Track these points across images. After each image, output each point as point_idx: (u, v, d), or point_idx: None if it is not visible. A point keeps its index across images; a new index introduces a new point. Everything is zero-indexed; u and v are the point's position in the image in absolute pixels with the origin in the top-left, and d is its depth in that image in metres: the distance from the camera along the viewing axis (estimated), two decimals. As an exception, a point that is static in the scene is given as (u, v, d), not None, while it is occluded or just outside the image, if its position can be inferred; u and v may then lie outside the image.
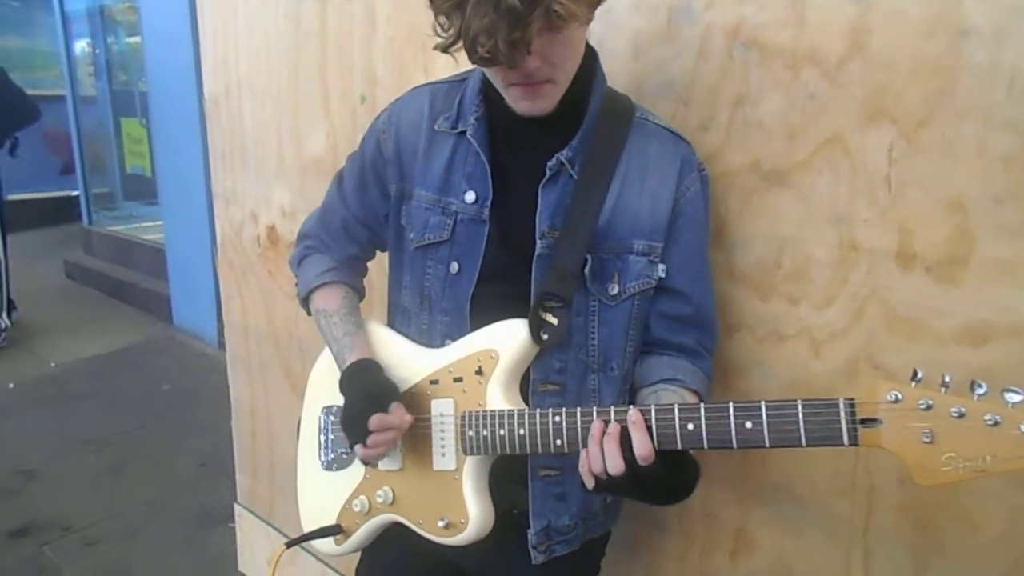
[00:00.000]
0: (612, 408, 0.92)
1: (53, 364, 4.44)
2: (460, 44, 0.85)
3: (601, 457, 0.89)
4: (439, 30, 0.88)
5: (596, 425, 0.91)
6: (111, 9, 6.24)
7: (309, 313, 1.21)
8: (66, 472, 3.18)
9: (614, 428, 0.90)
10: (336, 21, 1.68)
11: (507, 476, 1.05)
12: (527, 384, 1.04)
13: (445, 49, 0.87)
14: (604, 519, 1.16)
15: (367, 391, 1.04)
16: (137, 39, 5.61)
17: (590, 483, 0.92)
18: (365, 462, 1.09)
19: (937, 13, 0.93)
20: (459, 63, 0.92)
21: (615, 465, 0.88)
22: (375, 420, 0.99)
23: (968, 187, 0.94)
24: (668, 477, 0.90)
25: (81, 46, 6.65)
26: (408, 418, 1.02)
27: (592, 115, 1.02)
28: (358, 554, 1.22)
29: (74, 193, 7.10)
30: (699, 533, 1.29)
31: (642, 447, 0.87)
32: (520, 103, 0.97)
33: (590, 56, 1.03)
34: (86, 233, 6.72)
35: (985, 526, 0.99)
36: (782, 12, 1.06)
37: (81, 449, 3.37)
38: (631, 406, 0.91)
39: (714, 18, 1.13)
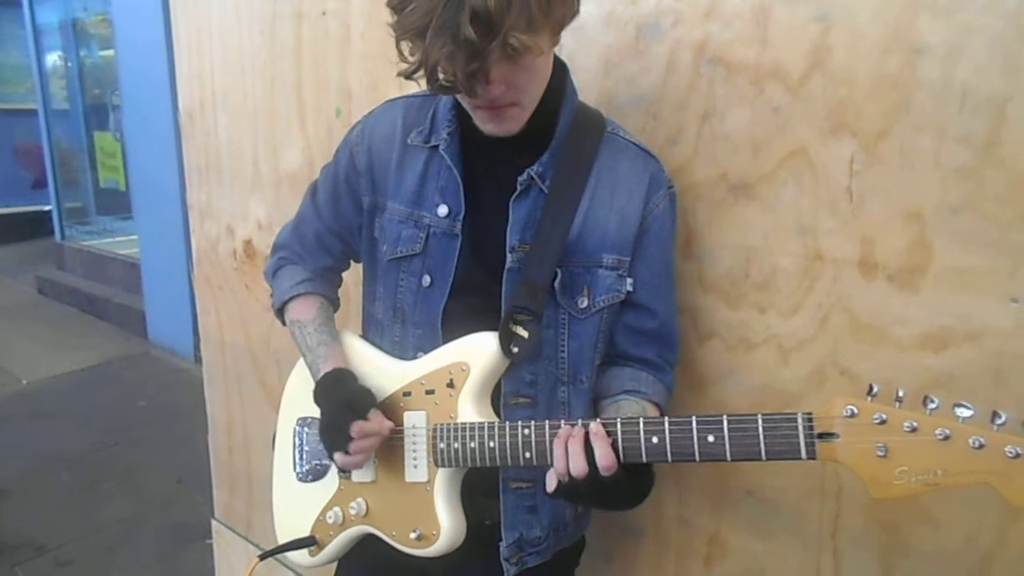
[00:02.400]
0: (580, 421, 0.93)
1: (25, 381, 4.37)
2: (422, 71, 0.86)
3: (565, 457, 0.91)
4: (401, 57, 0.88)
5: (565, 428, 0.92)
6: (83, 22, 6.20)
7: (284, 324, 1.22)
8: (38, 491, 3.14)
9: (579, 431, 0.91)
10: (311, 36, 1.69)
11: (479, 488, 1.06)
12: (499, 397, 1.05)
13: (408, 76, 0.88)
14: (574, 529, 1.17)
15: (344, 399, 1.05)
16: (110, 52, 5.58)
17: (551, 485, 0.94)
18: (344, 470, 1.09)
19: (892, 31, 0.97)
20: (421, 87, 0.93)
21: (578, 466, 0.89)
22: (356, 427, 1.00)
23: (925, 198, 0.97)
24: (629, 485, 0.92)
25: (53, 59, 6.60)
26: (388, 424, 1.03)
27: (562, 130, 1.04)
28: (334, 567, 1.22)
29: (46, 208, 7.02)
30: (674, 539, 1.31)
31: (604, 458, 0.88)
32: (487, 125, 0.98)
33: (560, 71, 1.04)
34: (59, 248, 6.64)
35: (949, 527, 1.02)
36: (746, 29, 1.09)
37: (54, 467, 3.33)
38: (596, 419, 0.92)
39: (681, 35, 1.16)
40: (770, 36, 1.07)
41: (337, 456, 1.03)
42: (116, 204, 6.22)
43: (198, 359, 2.95)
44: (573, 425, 0.92)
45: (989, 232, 0.93)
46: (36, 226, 7.64)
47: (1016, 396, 0.94)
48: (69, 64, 6.48)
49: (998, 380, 0.95)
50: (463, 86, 0.86)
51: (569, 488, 0.92)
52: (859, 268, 1.04)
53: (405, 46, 0.87)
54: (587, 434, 0.90)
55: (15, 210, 8.06)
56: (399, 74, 0.88)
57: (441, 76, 0.85)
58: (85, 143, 6.44)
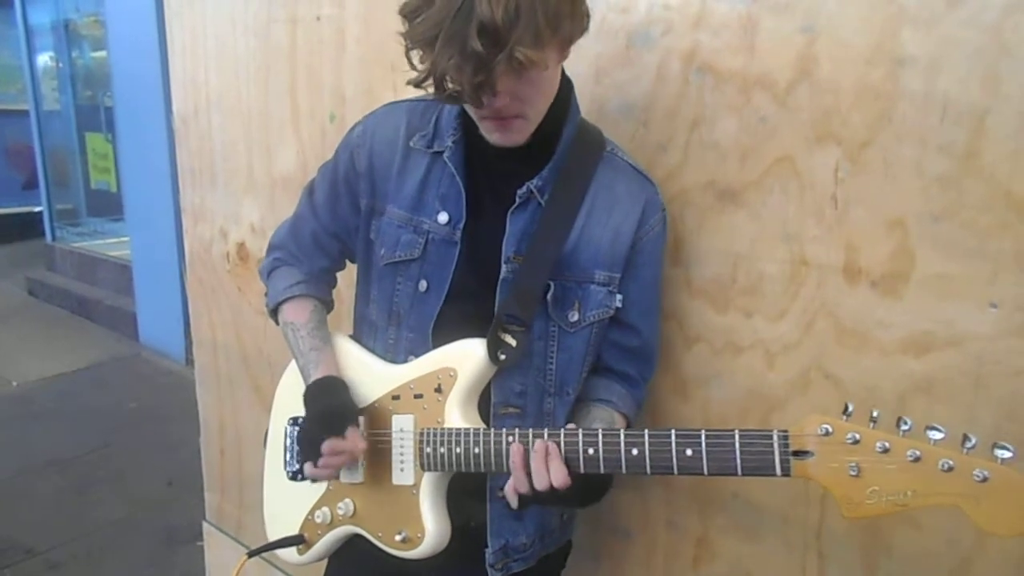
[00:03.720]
0: (562, 430, 0.94)
1: (15, 383, 4.35)
2: (431, 80, 0.87)
3: (527, 480, 0.93)
4: (411, 66, 0.90)
5: (515, 449, 0.95)
6: (76, 23, 6.18)
7: (278, 324, 1.23)
8: (28, 493, 3.13)
9: (540, 447, 0.93)
10: (305, 41, 1.70)
11: (465, 492, 1.07)
12: (488, 407, 1.06)
13: (418, 84, 0.89)
14: (560, 534, 1.19)
15: (325, 412, 1.06)
16: (102, 53, 5.57)
17: (514, 502, 0.96)
18: (312, 480, 1.11)
19: (876, 43, 0.99)
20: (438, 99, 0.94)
21: (556, 479, 0.92)
22: (327, 445, 1.02)
23: (908, 206, 1.00)
24: (582, 487, 0.95)
25: (45, 60, 6.58)
26: (362, 445, 1.04)
27: (564, 146, 1.05)
28: (323, 566, 1.23)
29: (37, 209, 6.99)
30: (662, 541, 1.33)
31: (558, 476, 0.91)
32: (492, 135, 1.00)
33: (566, 87, 1.05)
34: (49, 249, 6.61)
35: (930, 529, 1.04)
36: (734, 39, 1.11)
37: (44, 470, 3.32)
38: (561, 428, 0.95)
39: (671, 44, 1.18)
40: (757, 46, 1.09)
41: (306, 467, 1.05)
42: (107, 205, 6.19)
43: (189, 361, 2.95)
44: (525, 443, 0.95)
45: (969, 239, 0.96)
46: (27, 227, 7.60)
47: (995, 400, 0.96)
48: (61, 65, 6.46)
49: (978, 384, 0.97)
50: (469, 97, 0.88)
51: (535, 497, 0.94)
52: (843, 274, 1.06)
53: (415, 55, 0.89)
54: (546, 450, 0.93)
55: (6, 211, 8.01)
56: (409, 82, 0.89)
57: (448, 86, 0.87)
58: (77, 144, 6.41)
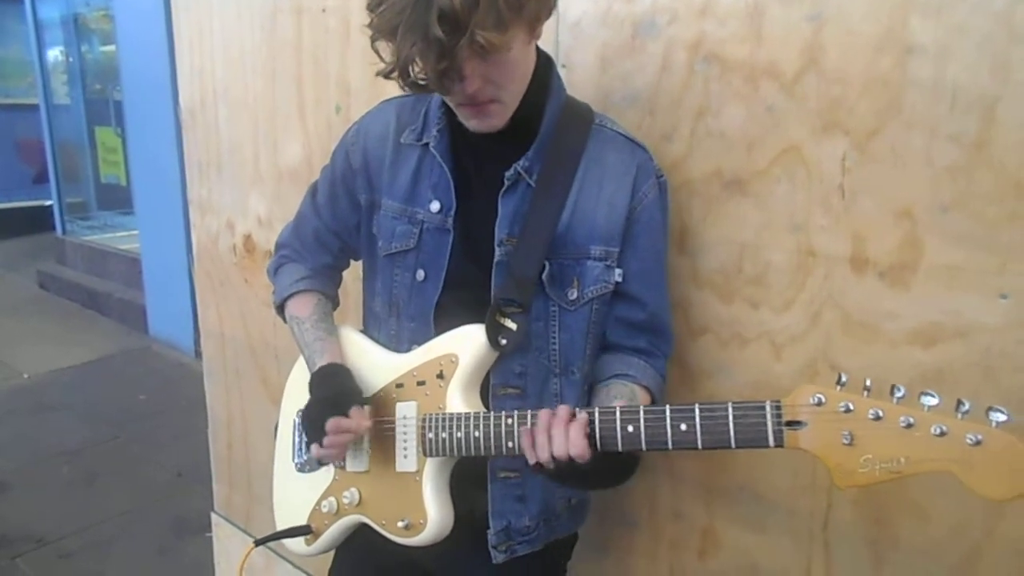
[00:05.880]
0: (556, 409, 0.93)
1: (26, 375, 4.39)
2: (397, 71, 0.88)
3: (547, 444, 0.91)
4: (379, 57, 0.90)
5: (543, 414, 0.92)
6: (85, 17, 6.21)
7: (285, 321, 1.24)
8: (39, 484, 3.16)
9: (564, 411, 0.91)
10: (311, 32, 1.70)
11: (468, 478, 1.07)
12: (488, 388, 1.06)
13: (386, 76, 0.89)
14: (568, 521, 1.18)
15: (329, 395, 1.07)
16: (111, 48, 5.59)
17: (531, 458, 0.93)
18: (320, 462, 1.12)
19: (884, 30, 0.98)
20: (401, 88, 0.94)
21: (575, 449, 0.89)
22: (331, 423, 1.02)
23: (916, 196, 0.98)
24: (607, 467, 0.94)
25: (55, 54, 6.62)
26: (366, 423, 1.05)
27: (549, 124, 1.05)
28: (331, 556, 1.24)
29: (47, 202, 7.04)
30: (668, 532, 1.33)
31: (576, 446, 0.89)
32: (470, 122, 1.00)
33: (544, 65, 1.05)
34: (60, 243, 6.66)
35: (937, 519, 1.03)
36: (740, 28, 1.10)
37: (55, 460, 3.35)
38: (578, 409, 0.93)
39: (676, 33, 1.17)
40: (764, 34, 1.08)
41: (313, 448, 1.06)
42: (117, 199, 6.24)
43: (198, 354, 2.97)
44: (524, 422, 0.94)
45: (978, 230, 0.94)
46: (37, 221, 7.66)
47: (1004, 391, 0.95)
48: (70, 59, 6.50)
49: (987, 376, 0.97)
50: (436, 84, 0.88)
51: (555, 470, 0.93)
52: (851, 265, 1.05)
53: (381, 46, 0.89)
54: (569, 420, 0.91)
55: (16, 204, 8.08)
56: (378, 74, 0.89)
57: (413, 74, 0.87)
58: (86, 138, 6.45)
